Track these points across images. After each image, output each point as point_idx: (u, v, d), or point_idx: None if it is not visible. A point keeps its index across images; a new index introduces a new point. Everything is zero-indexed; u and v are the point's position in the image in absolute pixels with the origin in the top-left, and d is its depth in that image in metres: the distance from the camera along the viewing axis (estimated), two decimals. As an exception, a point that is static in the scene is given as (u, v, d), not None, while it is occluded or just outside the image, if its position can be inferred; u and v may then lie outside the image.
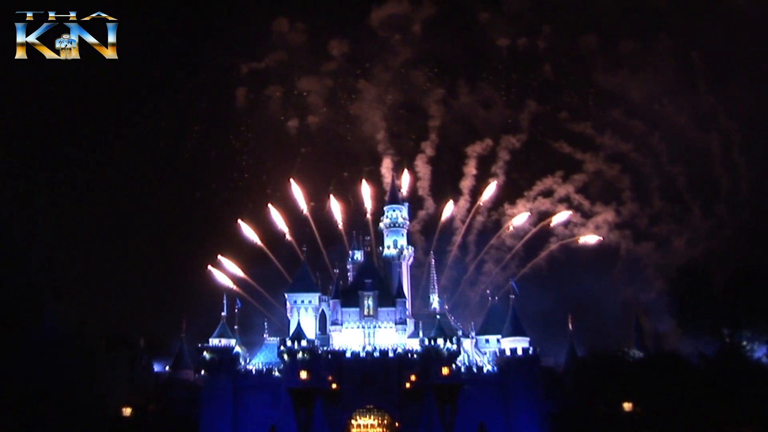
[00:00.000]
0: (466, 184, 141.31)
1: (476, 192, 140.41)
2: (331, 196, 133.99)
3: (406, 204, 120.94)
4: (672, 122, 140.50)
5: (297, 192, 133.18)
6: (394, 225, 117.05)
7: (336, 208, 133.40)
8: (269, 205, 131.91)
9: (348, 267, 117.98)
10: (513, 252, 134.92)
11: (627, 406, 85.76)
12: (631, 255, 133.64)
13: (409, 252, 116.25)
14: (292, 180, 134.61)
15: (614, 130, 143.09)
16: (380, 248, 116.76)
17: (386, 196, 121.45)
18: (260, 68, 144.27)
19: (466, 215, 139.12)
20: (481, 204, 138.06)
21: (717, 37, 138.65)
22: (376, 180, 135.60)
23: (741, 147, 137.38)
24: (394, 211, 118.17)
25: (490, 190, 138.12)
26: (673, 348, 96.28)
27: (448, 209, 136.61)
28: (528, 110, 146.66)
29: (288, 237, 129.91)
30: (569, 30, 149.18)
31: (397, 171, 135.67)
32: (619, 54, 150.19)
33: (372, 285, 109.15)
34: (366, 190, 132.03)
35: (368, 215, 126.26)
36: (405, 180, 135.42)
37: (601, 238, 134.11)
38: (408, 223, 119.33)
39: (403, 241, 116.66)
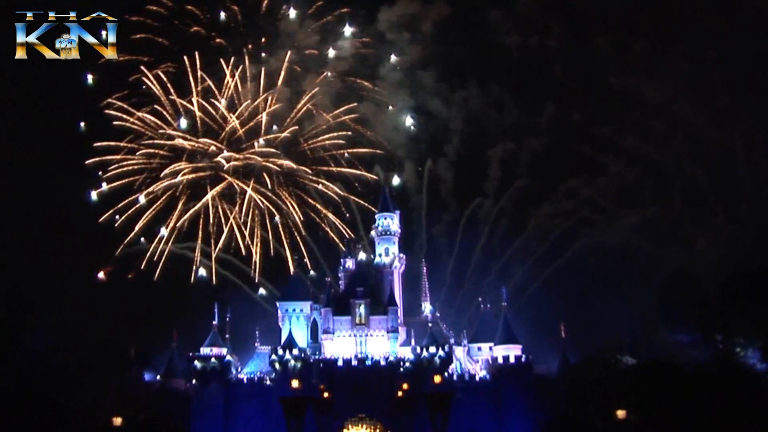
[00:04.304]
0: (490, 186, 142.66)
1: (499, 194, 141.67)
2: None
3: (398, 212, 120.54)
4: (691, 123, 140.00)
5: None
6: (385, 233, 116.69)
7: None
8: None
9: (339, 275, 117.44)
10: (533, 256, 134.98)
11: (621, 413, 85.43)
12: (652, 258, 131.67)
13: (400, 260, 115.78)
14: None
15: (635, 132, 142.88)
16: (371, 256, 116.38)
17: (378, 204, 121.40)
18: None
19: (490, 218, 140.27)
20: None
21: (732, 36, 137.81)
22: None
23: (762, 147, 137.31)
24: (385, 219, 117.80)
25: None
26: (667, 355, 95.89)
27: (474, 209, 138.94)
28: (547, 113, 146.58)
29: None
30: (582, 31, 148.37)
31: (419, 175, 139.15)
32: (633, 55, 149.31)
33: (363, 293, 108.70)
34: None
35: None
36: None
37: None
38: (400, 231, 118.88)
39: (394, 248, 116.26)
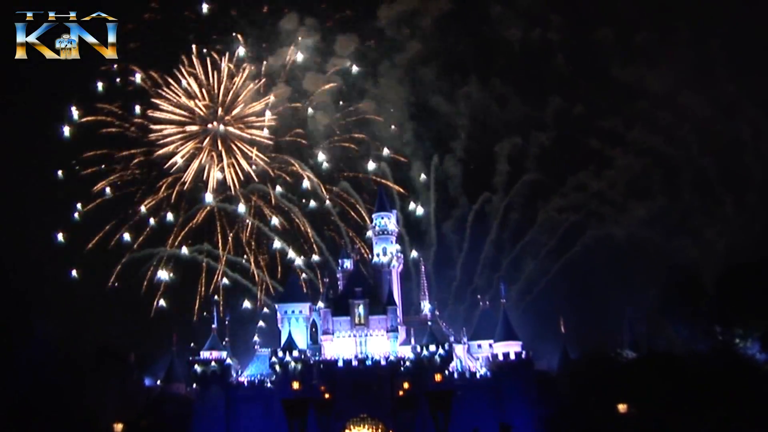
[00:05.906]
0: (499, 181, 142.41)
1: (508, 189, 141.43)
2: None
3: (395, 211, 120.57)
4: (697, 113, 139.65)
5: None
6: (383, 232, 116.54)
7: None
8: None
9: (338, 275, 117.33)
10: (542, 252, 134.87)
11: (622, 407, 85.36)
12: (661, 250, 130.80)
13: (398, 259, 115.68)
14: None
15: (642, 124, 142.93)
16: (369, 256, 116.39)
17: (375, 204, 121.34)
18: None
19: (499, 213, 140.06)
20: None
21: (736, 24, 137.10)
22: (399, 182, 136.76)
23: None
24: (382, 218, 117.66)
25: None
26: (667, 347, 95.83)
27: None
28: (552, 107, 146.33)
29: None
30: (584, 23, 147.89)
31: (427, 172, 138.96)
32: (635, 46, 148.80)
33: (362, 293, 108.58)
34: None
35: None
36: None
37: None
38: (397, 230, 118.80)
39: (392, 248, 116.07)
